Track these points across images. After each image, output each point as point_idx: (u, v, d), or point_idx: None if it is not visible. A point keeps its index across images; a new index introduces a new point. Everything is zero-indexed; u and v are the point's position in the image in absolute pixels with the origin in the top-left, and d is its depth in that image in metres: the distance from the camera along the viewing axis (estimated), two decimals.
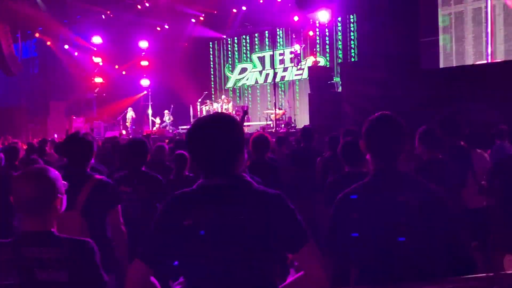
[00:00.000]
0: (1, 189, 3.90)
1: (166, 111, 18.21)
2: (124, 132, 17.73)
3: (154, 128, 17.89)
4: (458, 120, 5.01)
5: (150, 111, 18.99)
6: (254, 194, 1.74)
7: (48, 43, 19.73)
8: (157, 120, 18.19)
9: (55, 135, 16.16)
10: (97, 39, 18.95)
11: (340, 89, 13.69)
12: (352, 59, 16.32)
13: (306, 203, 5.72)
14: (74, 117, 18.13)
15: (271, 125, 15.70)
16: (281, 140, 7.87)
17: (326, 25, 16.65)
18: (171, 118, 18.03)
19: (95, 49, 19.54)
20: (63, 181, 1.96)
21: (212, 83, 20.78)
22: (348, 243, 1.97)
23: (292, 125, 15.49)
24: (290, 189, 5.30)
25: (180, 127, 17.74)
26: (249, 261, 1.68)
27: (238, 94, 20.14)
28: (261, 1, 17.15)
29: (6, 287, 1.78)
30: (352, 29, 16.59)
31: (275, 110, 15.70)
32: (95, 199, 2.93)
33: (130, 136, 17.17)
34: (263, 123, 16.72)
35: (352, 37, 16.59)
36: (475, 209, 4.44)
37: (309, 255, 1.70)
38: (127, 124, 18.46)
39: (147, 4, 17.80)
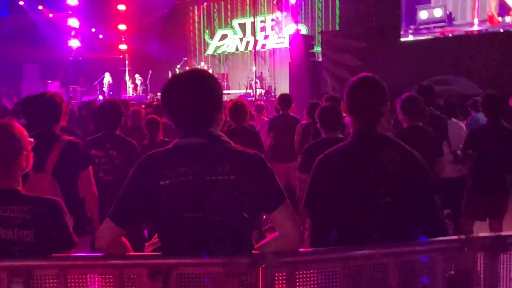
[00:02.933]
0: None
1: (136, 75, 17.93)
2: (101, 97, 17.36)
3: (131, 94, 17.59)
4: (433, 89, 5.05)
5: (127, 77, 18.59)
6: (232, 153, 1.71)
7: (21, 2, 18.94)
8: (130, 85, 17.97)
9: None
10: (72, 0, 18.25)
11: (320, 59, 13.62)
12: (334, 29, 16.18)
13: (283, 170, 5.76)
14: (49, 81, 17.64)
15: (251, 94, 15.59)
16: (260, 107, 7.84)
17: None
18: (141, 80, 17.76)
19: (70, 12, 18.84)
20: (30, 139, 1.88)
21: (192, 49, 20.38)
22: (327, 204, 1.97)
23: (272, 94, 15.41)
24: (268, 155, 5.29)
25: (158, 94, 17.48)
26: (227, 221, 1.66)
27: (217, 61, 19.83)
28: None
29: None
30: None
31: (255, 79, 15.55)
32: (66, 160, 2.86)
33: None
34: (243, 91, 16.58)
35: (335, 6, 16.39)
36: (448, 178, 4.52)
37: (284, 215, 1.69)
38: (104, 89, 18.09)
39: None
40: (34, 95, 3.38)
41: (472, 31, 12.11)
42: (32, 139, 1.89)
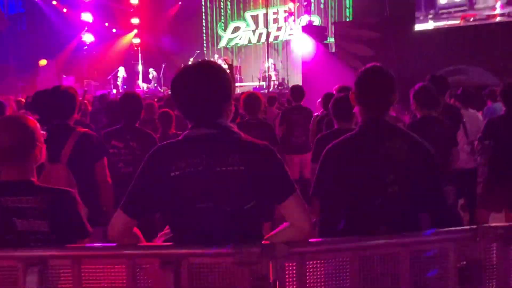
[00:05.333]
0: None
1: (150, 69, 18.02)
2: (114, 91, 17.50)
3: (145, 87, 17.70)
4: (446, 79, 4.98)
5: (140, 70, 18.67)
6: (242, 144, 1.71)
7: None
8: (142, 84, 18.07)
9: None
10: None
11: (334, 50, 13.51)
12: (347, 19, 16.02)
13: (296, 161, 5.76)
14: (64, 76, 17.81)
15: (264, 86, 15.55)
16: (272, 99, 7.82)
17: None
18: (154, 75, 17.83)
19: (83, 6, 18.95)
20: (42, 131, 1.91)
21: (205, 42, 20.38)
22: (335, 193, 1.97)
23: (285, 86, 15.35)
24: (280, 148, 5.29)
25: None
26: (237, 212, 1.67)
27: (230, 53, 19.81)
28: None
29: None
30: None
31: (268, 71, 15.50)
32: (80, 151, 2.90)
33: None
34: (256, 83, 16.55)
35: None
36: (463, 168, 4.47)
37: (294, 206, 1.69)
38: (118, 83, 18.22)
39: None
40: (45, 90, 3.41)
41: (495, 14, 11.82)
42: (44, 132, 1.92)
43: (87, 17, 18.64)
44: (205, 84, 1.70)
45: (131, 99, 3.87)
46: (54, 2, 19.24)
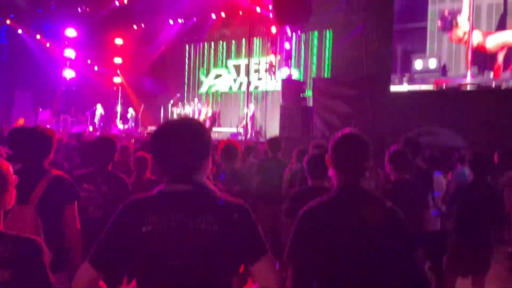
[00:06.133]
0: None
1: (130, 108, 18.05)
2: (91, 128, 17.35)
3: (123, 127, 17.63)
4: (419, 141, 5.15)
5: (119, 109, 18.65)
6: (217, 203, 1.71)
7: (20, 31, 19.16)
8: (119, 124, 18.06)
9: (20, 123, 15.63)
10: (71, 32, 18.49)
11: (308, 104, 13.85)
12: (326, 75, 16.54)
13: (270, 213, 5.74)
14: (41, 109, 17.61)
15: (241, 133, 15.69)
16: (250, 148, 7.87)
17: (303, 38, 16.87)
18: (133, 114, 17.84)
19: (67, 42, 19.08)
20: (14, 174, 1.88)
21: (186, 86, 20.61)
22: (310, 257, 1.97)
23: (262, 134, 15.53)
24: (255, 198, 5.29)
25: (149, 127, 17.54)
26: (208, 271, 1.65)
27: (211, 99, 20.04)
28: (241, 14, 17.20)
29: None
30: (327, 44, 16.82)
31: (246, 119, 15.70)
32: (51, 194, 2.84)
33: (98, 133, 16.85)
34: (234, 130, 16.69)
35: (327, 53, 16.82)
36: (432, 231, 4.53)
37: (265, 267, 1.69)
38: (95, 120, 18.10)
39: (125, 1, 17.54)
40: (22, 127, 3.37)
41: (466, 83, 12.45)
42: (15, 175, 1.89)
43: (69, 53, 18.71)
44: (186, 142, 1.72)
45: (106, 142, 3.86)
46: (38, 37, 19.30)
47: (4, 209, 1.83)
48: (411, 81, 13.18)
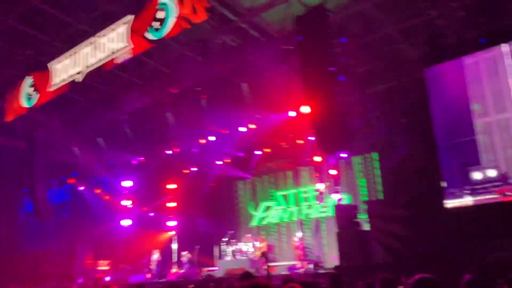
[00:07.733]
0: None
1: (184, 253, 18.14)
2: (149, 275, 17.43)
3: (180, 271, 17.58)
4: (495, 266, 4.84)
5: (175, 253, 18.78)
6: None
7: (81, 188, 20.54)
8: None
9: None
10: (127, 183, 19.63)
11: (364, 227, 13.55)
12: (378, 197, 16.39)
13: None
14: (100, 261, 18.03)
15: (298, 265, 15.26)
16: (308, 285, 7.56)
17: (349, 163, 17.14)
18: (189, 257, 17.83)
19: (123, 193, 20.13)
20: None
21: (238, 222, 20.79)
22: None
23: (321, 265, 15.04)
24: None
25: (202, 269, 17.41)
26: None
27: (263, 232, 19.97)
28: (285, 146, 17.87)
29: None
30: (375, 166, 16.90)
31: (302, 249, 15.38)
32: None
33: (155, 280, 16.89)
34: (290, 262, 16.26)
35: (375, 174, 16.83)
36: None
37: None
38: (151, 267, 18.23)
39: (177, 150, 18.68)
40: None
41: None
42: None
43: (126, 202, 19.66)
44: None
45: None
46: (98, 191, 20.58)
47: None
48: (474, 193, 12.64)
